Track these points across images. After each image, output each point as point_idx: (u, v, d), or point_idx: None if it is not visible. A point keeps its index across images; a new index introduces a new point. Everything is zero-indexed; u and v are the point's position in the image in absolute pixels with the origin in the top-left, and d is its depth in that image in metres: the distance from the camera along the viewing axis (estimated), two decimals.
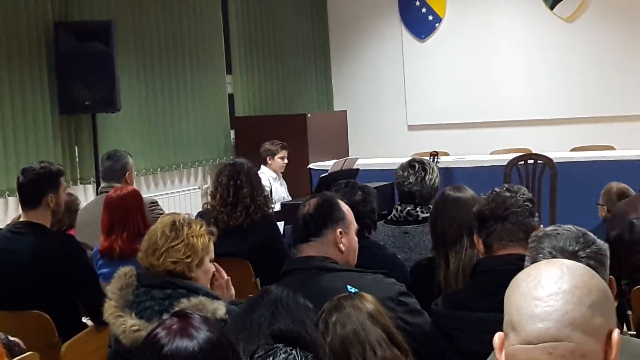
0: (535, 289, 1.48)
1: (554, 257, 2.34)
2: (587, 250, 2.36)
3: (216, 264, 3.33)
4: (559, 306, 1.45)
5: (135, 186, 5.62)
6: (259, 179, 5.21)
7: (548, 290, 1.47)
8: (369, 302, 2.65)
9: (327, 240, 3.28)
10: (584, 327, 1.44)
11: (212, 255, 3.28)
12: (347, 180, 4.49)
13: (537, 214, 3.14)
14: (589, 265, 2.36)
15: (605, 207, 5.50)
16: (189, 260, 3.14)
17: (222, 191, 5.04)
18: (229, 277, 3.42)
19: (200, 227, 3.23)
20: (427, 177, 4.56)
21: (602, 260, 2.37)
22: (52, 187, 4.36)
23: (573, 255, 2.32)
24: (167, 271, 3.12)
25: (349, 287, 2.79)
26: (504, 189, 3.13)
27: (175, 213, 3.44)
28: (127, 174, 5.87)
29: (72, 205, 5.65)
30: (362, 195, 4.11)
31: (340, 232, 3.31)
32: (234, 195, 4.99)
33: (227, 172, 5.10)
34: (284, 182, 8.20)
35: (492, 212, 3.05)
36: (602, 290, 1.50)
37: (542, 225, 3.11)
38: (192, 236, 3.18)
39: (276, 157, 8.04)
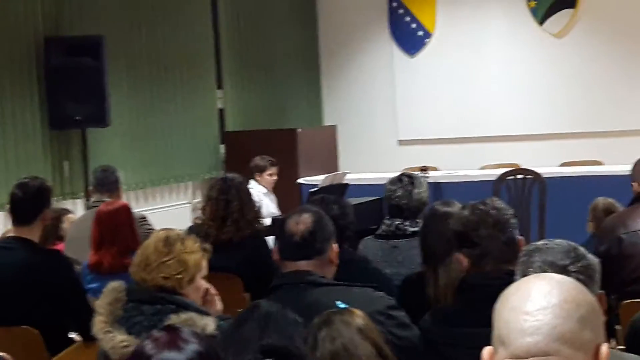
0: (524, 303, 1.49)
1: (544, 271, 2.33)
2: (578, 265, 2.37)
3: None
4: (548, 320, 1.45)
5: (125, 201, 5.62)
6: (249, 194, 5.20)
7: (537, 304, 1.47)
8: (359, 317, 2.65)
9: (326, 257, 3.28)
10: (572, 341, 1.44)
11: (205, 272, 3.27)
12: (320, 195, 4.50)
13: (517, 228, 3.15)
14: (578, 279, 2.36)
15: (592, 223, 5.52)
16: (180, 276, 3.13)
17: (212, 206, 5.04)
18: (217, 292, 3.41)
19: (194, 244, 3.23)
20: (415, 191, 4.58)
21: (591, 275, 2.37)
22: (48, 204, 4.37)
23: (563, 270, 2.31)
24: (158, 286, 3.11)
25: (337, 302, 2.78)
26: (481, 203, 3.12)
27: (169, 228, 3.43)
28: (119, 188, 5.88)
29: (58, 219, 5.64)
30: (339, 209, 4.10)
31: (333, 246, 3.32)
32: (224, 209, 4.98)
33: (217, 186, 5.10)
34: (274, 197, 8.20)
35: (473, 229, 3.05)
36: (590, 304, 1.50)
37: (522, 238, 3.13)
38: (185, 252, 3.17)
39: (264, 174, 8.03)
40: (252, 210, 5.08)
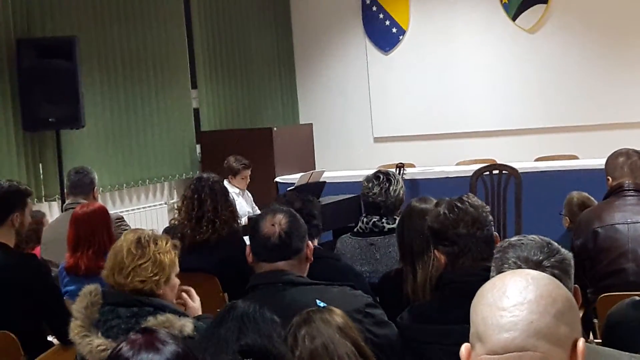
0: (501, 299, 1.49)
1: (519, 267, 2.36)
2: (552, 260, 2.38)
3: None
4: (524, 316, 1.46)
5: (100, 202, 5.59)
6: (224, 194, 5.18)
7: (513, 300, 1.48)
8: (338, 316, 2.65)
9: (302, 256, 3.28)
10: (549, 336, 1.45)
11: (178, 269, 3.26)
12: (284, 192, 4.51)
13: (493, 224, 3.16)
14: (553, 274, 2.38)
15: (567, 218, 5.56)
16: (157, 277, 3.12)
17: (187, 206, 5.04)
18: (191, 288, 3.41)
19: (166, 243, 3.21)
20: (391, 188, 4.58)
21: (566, 270, 2.39)
22: (19, 207, 4.32)
23: (537, 265, 2.33)
24: (135, 290, 3.09)
25: (317, 301, 2.78)
26: (458, 200, 3.13)
27: (139, 229, 3.40)
28: (94, 189, 5.85)
29: (38, 221, 5.61)
30: (301, 203, 4.09)
31: (309, 244, 3.31)
32: (198, 209, 4.98)
33: (192, 186, 5.11)
34: (249, 194, 8.18)
35: (451, 227, 3.06)
36: (567, 299, 1.51)
37: (497, 235, 3.14)
38: (159, 253, 3.15)
39: (238, 177, 8.03)
40: (227, 209, 5.07)
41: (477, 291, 1.57)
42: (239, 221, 5.30)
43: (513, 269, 2.33)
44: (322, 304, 2.72)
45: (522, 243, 2.43)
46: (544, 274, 1.57)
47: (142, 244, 3.13)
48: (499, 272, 2.36)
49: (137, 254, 3.11)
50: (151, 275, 3.09)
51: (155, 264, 3.11)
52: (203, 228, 4.94)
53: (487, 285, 1.55)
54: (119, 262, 3.12)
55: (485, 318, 1.49)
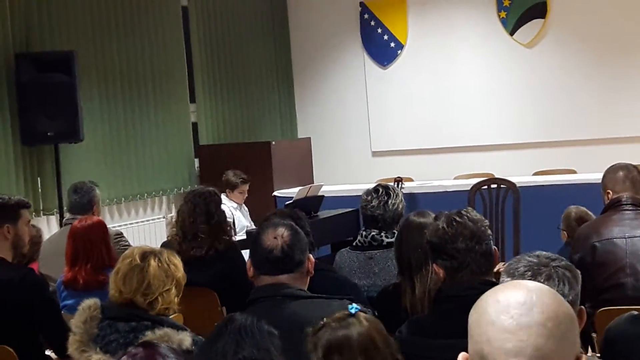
0: (505, 319, 1.48)
1: (531, 268, 2.49)
2: (562, 262, 2.51)
3: None
4: (532, 341, 1.45)
5: (100, 217, 5.58)
6: (217, 207, 5.18)
7: (519, 321, 1.47)
8: (363, 327, 2.56)
9: (304, 269, 3.28)
10: (554, 359, 1.45)
11: None
12: (277, 209, 4.51)
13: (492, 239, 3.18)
14: (564, 275, 2.44)
15: (565, 232, 5.56)
16: (177, 299, 3.16)
17: (182, 220, 5.07)
18: None
19: (177, 259, 3.24)
20: (390, 202, 4.59)
21: (575, 275, 2.50)
22: (8, 219, 4.29)
23: (547, 265, 2.49)
24: (160, 314, 3.12)
25: (349, 306, 2.67)
26: (457, 214, 3.13)
27: (152, 248, 3.38)
28: (94, 207, 5.83)
29: (34, 238, 5.59)
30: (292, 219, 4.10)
31: (310, 257, 3.31)
32: (190, 225, 5.00)
33: (187, 200, 5.14)
34: (246, 209, 8.19)
35: (450, 241, 3.06)
36: (570, 317, 1.50)
37: (496, 248, 3.15)
38: (177, 272, 3.18)
39: (236, 191, 8.03)
40: (219, 223, 5.07)
41: (476, 304, 1.55)
42: (231, 234, 5.29)
43: (524, 268, 2.48)
44: (354, 309, 2.61)
45: (533, 252, 2.57)
46: (545, 287, 1.56)
47: (164, 268, 3.14)
48: (509, 274, 2.48)
49: (163, 279, 3.11)
50: (174, 298, 3.11)
51: (177, 286, 3.12)
52: (196, 243, 4.95)
53: (488, 299, 1.54)
54: (145, 287, 3.11)
55: (490, 340, 1.48)
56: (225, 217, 5.23)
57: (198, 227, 4.99)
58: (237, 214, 7.91)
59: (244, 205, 8.16)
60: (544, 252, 2.59)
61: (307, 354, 2.49)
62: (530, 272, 2.47)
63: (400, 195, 4.73)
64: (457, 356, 1.55)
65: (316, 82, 11.09)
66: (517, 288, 1.54)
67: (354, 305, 2.58)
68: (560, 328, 1.47)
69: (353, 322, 2.53)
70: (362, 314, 2.57)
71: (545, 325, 1.47)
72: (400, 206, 4.66)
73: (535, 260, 2.52)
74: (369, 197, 4.64)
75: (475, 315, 1.53)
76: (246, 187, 8.07)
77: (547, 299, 1.52)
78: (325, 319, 2.54)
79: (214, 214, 5.07)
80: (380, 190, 4.66)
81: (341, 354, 2.47)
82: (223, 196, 7.71)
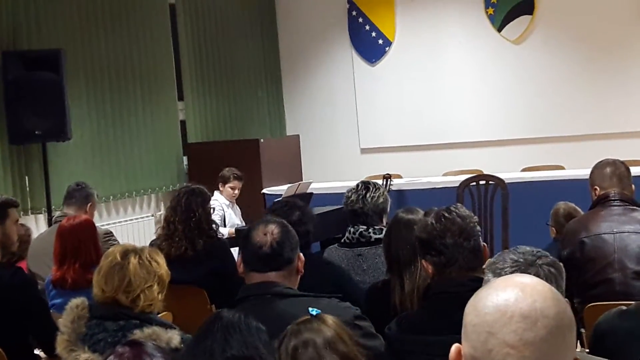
0: (509, 335, 1.43)
1: (517, 264, 2.48)
2: (548, 260, 2.52)
3: None
4: (535, 356, 1.42)
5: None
6: (202, 205, 5.17)
7: (523, 337, 1.43)
8: (329, 328, 2.60)
9: (294, 266, 3.27)
10: None
11: None
12: (287, 200, 4.52)
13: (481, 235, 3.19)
14: (550, 272, 2.44)
15: (554, 228, 5.57)
16: (160, 296, 3.14)
17: (165, 219, 5.10)
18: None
19: (160, 256, 3.22)
20: (368, 195, 4.61)
21: (560, 271, 2.51)
22: None
23: (532, 263, 2.48)
24: (144, 312, 3.10)
25: (310, 309, 2.73)
26: (446, 211, 3.13)
27: (132, 246, 3.38)
28: (89, 205, 5.83)
29: (23, 237, 5.57)
30: (299, 216, 4.13)
31: (300, 255, 3.31)
32: (172, 223, 5.01)
33: (172, 199, 5.15)
34: (238, 208, 8.17)
35: (439, 237, 3.06)
36: (570, 322, 1.46)
37: (485, 244, 3.15)
38: (159, 269, 3.16)
39: (227, 185, 7.99)
40: (199, 222, 5.06)
41: (473, 302, 1.49)
42: (216, 232, 5.28)
43: (511, 268, 2.47)
44: (314, 312, 2.67)
45: (517, 249, 2.56)
46: (545, 289, 1.49)
47: (145, 265, 3.13)
48: (496, 274, 2.46)
49: (144, 276, 3.10)
50: (157, 295, 3.09)
51: (160, 283, 3.11)
52: (179, 242, 4.96)
53: (486, 302, 1.47)
54: (127, 284, 3.10)
55: (492, 351, 1.43)
56: (210, 215, 5.22)
57: (176, 226, 5.00)
58: (228, 212, 7.90)
59: (236, 204, 8.13)
60: (528, 248, 2.58)
61: None
62: (518, 272, 2.45)
63: (381, 189, 4.75)
64: (446, 352, 1.53)
65: (304, 79, 11.08)
66: (518, 290, 1.48)
67: (315, 309, 2.60)
68: (564, 340, 1.45)
69: (316, 324, 2.54)
70: (324, 315, 2.59)
71: (549, 340, 1.43)
72: (381, 199, 4.66)
73: (521, 260, 2.51)
74: (349, 193, 4.70)
75: (475, 319, 1.48)
76: (237, 183, 8.03)
77: (550, 309, 1.46)
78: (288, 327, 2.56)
79: (195, 212, 5.06)
80: (360, 185, 4.74)
81: (307, 352, 2.48)
82: (216, 193, 7.73)
